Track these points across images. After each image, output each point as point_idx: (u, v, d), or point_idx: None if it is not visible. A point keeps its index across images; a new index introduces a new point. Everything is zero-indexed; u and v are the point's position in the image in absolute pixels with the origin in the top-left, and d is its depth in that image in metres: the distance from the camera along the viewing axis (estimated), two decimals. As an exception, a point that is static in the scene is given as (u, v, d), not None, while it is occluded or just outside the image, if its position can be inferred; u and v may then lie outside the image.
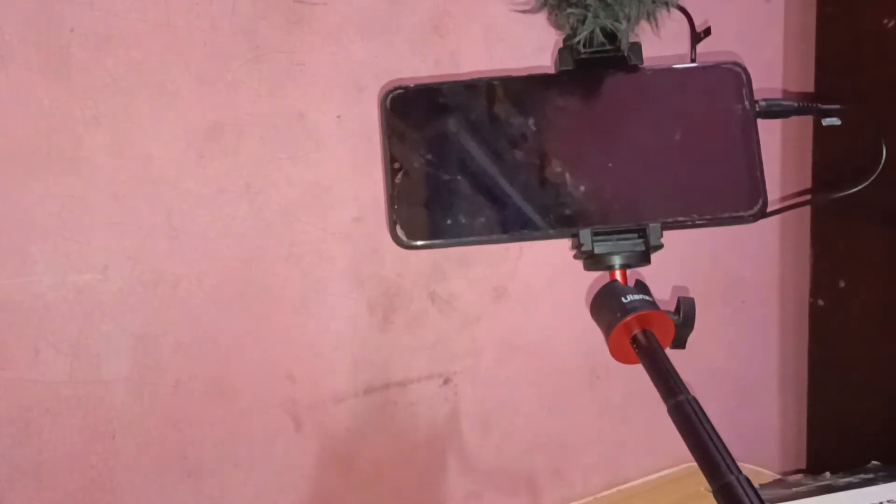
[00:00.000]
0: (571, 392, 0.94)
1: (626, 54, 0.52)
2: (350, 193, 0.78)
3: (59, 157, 0.66)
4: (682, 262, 0.99)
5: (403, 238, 0.51)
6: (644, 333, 0.47)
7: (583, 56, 0.52)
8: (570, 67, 0.52)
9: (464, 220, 0.51)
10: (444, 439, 0.86)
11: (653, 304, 0.48)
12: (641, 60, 0.53)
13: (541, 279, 0.90)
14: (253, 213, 0.73)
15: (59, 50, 0.65)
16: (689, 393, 0.43)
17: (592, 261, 0.51)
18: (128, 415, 0.70)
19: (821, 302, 1.04)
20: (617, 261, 0.51)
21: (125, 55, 0.67)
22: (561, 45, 0.53)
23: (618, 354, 0.48)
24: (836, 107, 0.57)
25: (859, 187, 0.57)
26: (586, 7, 0.50)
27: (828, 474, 0.89)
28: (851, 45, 0.95)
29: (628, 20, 0.50)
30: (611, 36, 0.51)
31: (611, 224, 0.50)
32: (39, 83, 0.64)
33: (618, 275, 0.51)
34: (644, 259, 0.51)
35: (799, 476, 0.93)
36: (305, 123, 0.75)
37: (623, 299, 0.48)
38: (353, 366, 0.80)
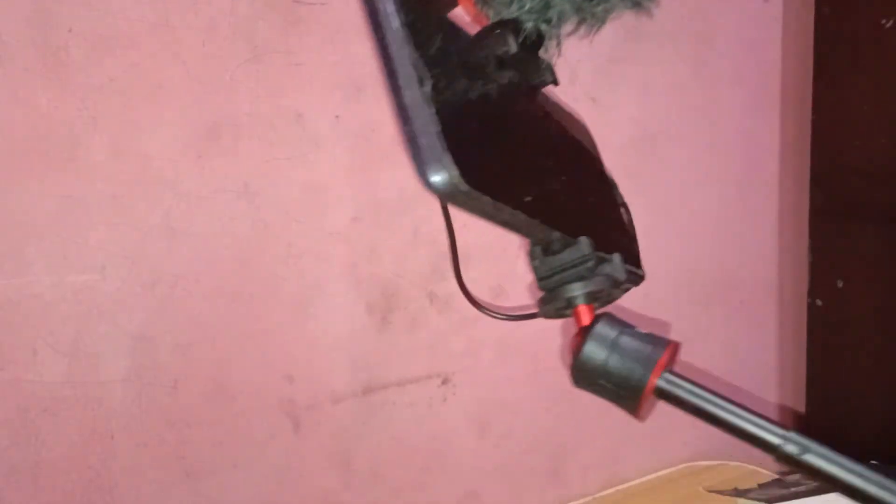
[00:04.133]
0: (570, 392, 0.94)
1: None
2: (348, 193, 0.78)
3: (56, 157, 0.66)
4: (681, 262, 0.99)
5: (456, 180, 0.37)
6: (673, 376, 0.41)
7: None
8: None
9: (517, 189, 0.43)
10: (442, 439, 0.86)
11: (662, 338, 0.42)
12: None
13: (539, 279, 0.90)
14: (251, 214, 0.73)
15: (56, 50, 0.65)
16: (786, 428, 0.39)
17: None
18: (126, 415, 0.70)
19: (819, 302, 1.04)
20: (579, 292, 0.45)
21: (123, 55, 0.67)
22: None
23: (647, 415, 0.42)
24: None
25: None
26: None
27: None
28: (849, 45, 0.95)
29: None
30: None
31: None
32: (37, 83, 0.64)
33: (585, 312, 0.45)
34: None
35: (797, 476, 0.93)
36: (304, 124, 0.75)
37: (639, 347, 0.41)
38: (351, 366, 0.80)
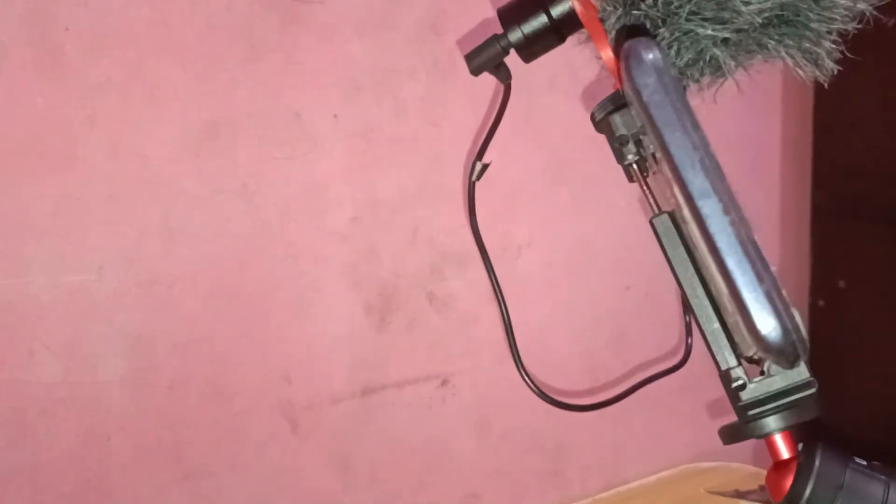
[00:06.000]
0: (570, 393, 0.94)
1: None
2: (347, 193, 0.77)
3: (53, 157, 0.65)
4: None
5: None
6: None
7: None
8: None
9: None
10: (441, 441, 0.86)
11: (892, 471, 0.37)
12: None
13: (539, 279, 0.89)
14: (249, 213, 0.73)
15: (53, 49, 0.64)
16: None
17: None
18: (123, 416, 0.70)
19: (821, 302, 1.03)
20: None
21: (120, 54, 0.67)
22: None
23: None
24: None
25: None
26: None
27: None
28: (851, 43, 0.95)
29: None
30: None
31: None
32: (34, 83, 0.64)
33: (782, 442, 0.39)
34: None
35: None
36: (302, 123, 0.74)
37: (873, 489, 0.36)
38: (350, 367, 0.79)
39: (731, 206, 0.35)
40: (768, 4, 0.38)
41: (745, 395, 0.39)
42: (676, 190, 0.36)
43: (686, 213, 0.36)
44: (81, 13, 0.65)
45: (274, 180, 0.74)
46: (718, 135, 1.12)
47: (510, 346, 0.55)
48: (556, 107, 0.85)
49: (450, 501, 0.87)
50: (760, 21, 0.39)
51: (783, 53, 0.41)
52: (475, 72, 0.50)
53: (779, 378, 0.39)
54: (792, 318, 0.34)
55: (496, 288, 0.56)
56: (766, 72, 0.45)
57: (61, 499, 0.68)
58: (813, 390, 0.39)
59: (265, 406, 0.76)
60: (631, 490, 0.97)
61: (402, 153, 0.80)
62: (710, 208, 0.35)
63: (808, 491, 0.36)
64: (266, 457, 0.76)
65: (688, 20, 0.39)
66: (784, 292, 0.34)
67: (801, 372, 0.39)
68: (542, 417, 0.92)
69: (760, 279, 0.34)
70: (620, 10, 0.40)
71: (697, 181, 0.36)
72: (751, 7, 0.38)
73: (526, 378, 0.54)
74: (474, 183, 0.54)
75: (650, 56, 0.36)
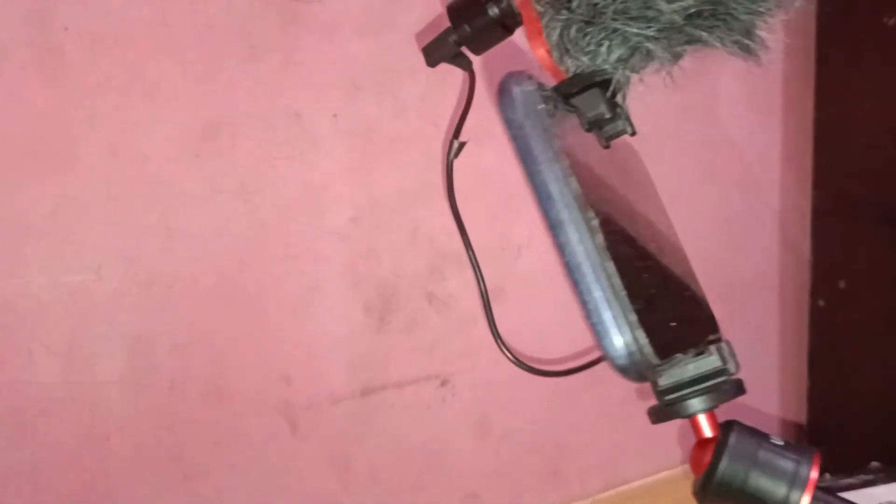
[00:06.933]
0: (570, 393, 0.94)
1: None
2: (346, 193, 0.77)
3: (53, 157, 0.65)
4: (681, 262, 0.99)
5: (651, 357, 0.37)
6: (824, 494, 0.37)
7: None
8: None
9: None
10: (441, 441, 0.86)
11: (804, 448, 0.39)
12: None
13: (539, 279, 0.89)
14: (249, 213, 0.73)
15: (52, 49, 0.64)
16: None
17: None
18: (122, 416, 0.70)
19: (821, 303, 1.03)
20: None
21: (120, 54, 0.67)
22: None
23: None
24: None
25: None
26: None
27: (827, 475, 0.88)
28: (852, 43, 0.95)
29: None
30: None
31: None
32: (33, 82, 0.64)
33: (705, 422, 0.42)
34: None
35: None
36: (302, 123, 0.74)
37: (783, 464, 0.37)
38: (349, 367, 0.79)
39: (585, 236, 0.37)
40: (691, 1, 0.39)
41: (662, 382, 0.43)
42: (540, 219, 0.39)
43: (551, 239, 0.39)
44: (81, 13, 0.65)
45: (273, 180, 0.74)
46: (718, 134, 1.12)
47: (486, 312, 0.58)
48: (555, 107, 0.85)
49: (450, 501, 0.87)
50: (682, 20, 0.39)
51: (716, 44, 0.42)
52: (432, 64, 0.53)
53: (692, 367, 0.42)
54: (637, 340, 0.36)
55: (472, 258, 0.58)
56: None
57: (61, 499, 0.68)
58: (725, 377, 0.42)
59: (264, 406, 0.76)
60: (631, 490, 0.97)
61: (402, 153, 0.80)
62: (564, 238, 0.37)
63: (722, 465, 0.38)
64: (266, 457, 0.76)
65: (613, 20, 0.39)
66: (633, 317, 0.36)
67: (713, 361, 0.43)
68: (542, 417, 0.92)
69: (608, 304, 0.36)
70: (551, 10, 0.41)
71: (552, 212, 0.38)
72: (672, 6, 0.38)
73: (500, 343, 0.58)
74: (452, 161, 0.56)
75: (517, 90, 0.38)
